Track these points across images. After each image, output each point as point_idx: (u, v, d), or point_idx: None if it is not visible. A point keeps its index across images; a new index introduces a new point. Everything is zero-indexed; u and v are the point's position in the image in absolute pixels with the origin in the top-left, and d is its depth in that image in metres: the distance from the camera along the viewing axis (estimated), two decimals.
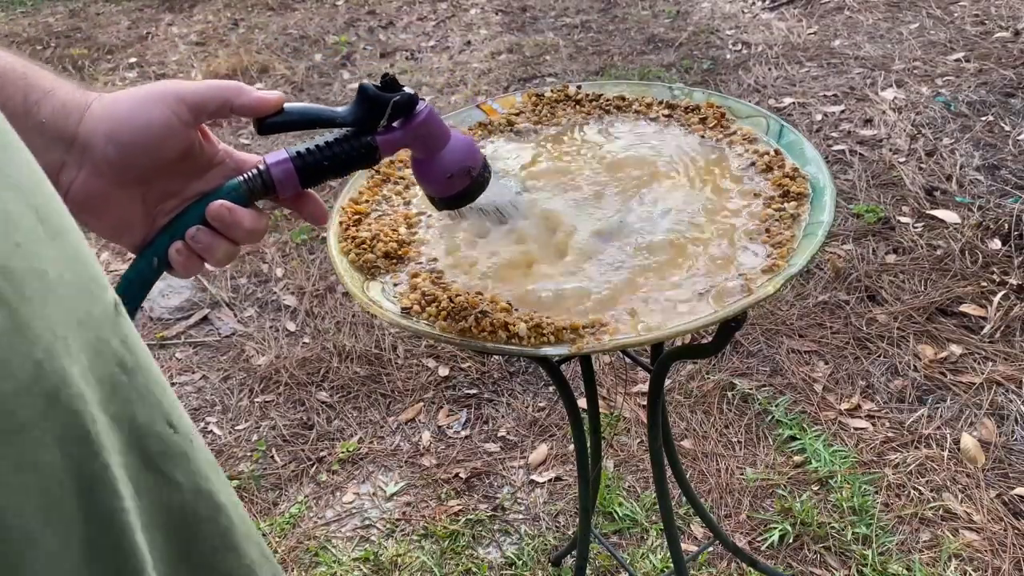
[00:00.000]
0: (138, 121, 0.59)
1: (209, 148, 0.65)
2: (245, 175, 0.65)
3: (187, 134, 0.61)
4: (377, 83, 0.68)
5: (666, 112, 1.09)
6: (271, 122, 0.65)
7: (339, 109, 0.68)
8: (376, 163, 0.69)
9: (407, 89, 0.68)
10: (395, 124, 0.69)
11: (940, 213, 2.38)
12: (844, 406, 1.89)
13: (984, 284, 2.12)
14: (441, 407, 2.04)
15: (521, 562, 1.65)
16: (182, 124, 0.60)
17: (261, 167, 0.65)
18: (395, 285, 0.87)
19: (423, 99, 0.70)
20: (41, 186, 0.37)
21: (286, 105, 0.65)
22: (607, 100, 1.13)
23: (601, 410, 1.92)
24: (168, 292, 2.52)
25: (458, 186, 0.74)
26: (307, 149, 0.67)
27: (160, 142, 0.60)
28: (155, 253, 0.63)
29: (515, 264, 0.88)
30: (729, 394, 1.96)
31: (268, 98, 0.64)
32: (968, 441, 1.76)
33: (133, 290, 0.62)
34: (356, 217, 0.96)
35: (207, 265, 0.65)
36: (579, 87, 1.15)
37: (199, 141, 0.64)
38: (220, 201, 0.63)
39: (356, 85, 0.67)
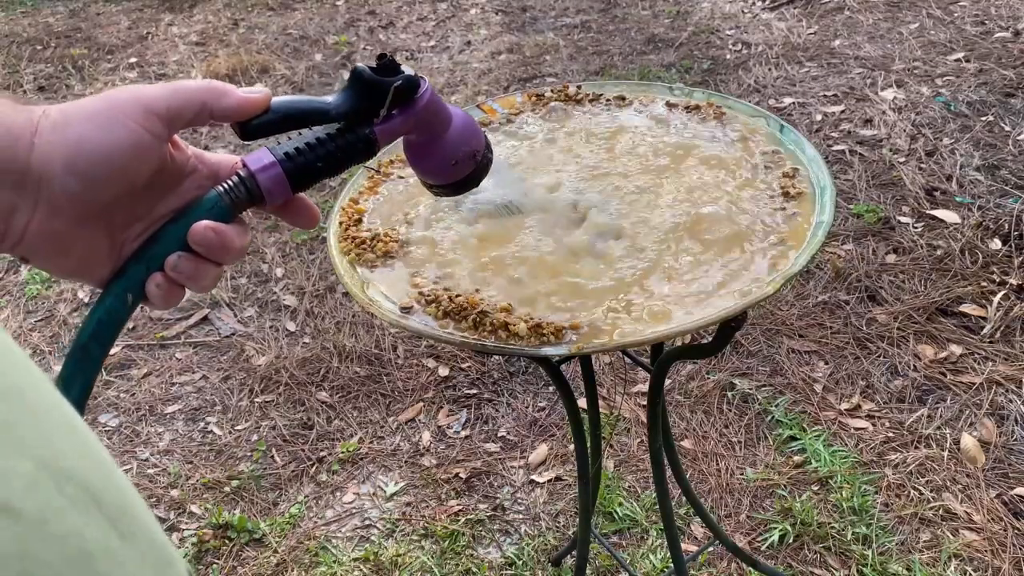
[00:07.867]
0: (102, 144, 0.48)
1: (180, 157, 0.55)
2: (225, 185, 0.55)
3: (160, 151, 0.51)
4: (373, 65, 0.60)
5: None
6: (257, 124, 0.56)
7: (329, 99, 0.59)
8: (374, 155, 0.62)
9: (407, 70, 0.60)
10: (394, 111, 0.61)
11: (940, 213, 2.38)
12: (844, 406, 1.89)
13: (984, 284, 2.12)
14: (441, 407, 2.04)
15: (521, 562, 1.65)
16: (154, 140, 0.50)
17: (243, 173, 0.56)
18: (395, 284, 0.87)
19: (423, 79, 0.62)
20: (110, 473, 0.27)
21: (272, 101, 0.57)
22: (607, 100, 1.13)
23: (601, 410, 1.92)
24: None
25: (462, 171, 0.68)
26: (296, 149, 0.58)
27: (130, 166, 0.50)
28: (128, 288, 0.53)
29: (518, 263, 0.88)
30: (729, 394, 1.96)
31: (254, 98, 0.55)
32: (968, 441, 1.76)
33: (105, 331, 0.52)
34: (356, 217, 0.96)
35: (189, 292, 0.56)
36: (579, 87, 1.15)
37: (170, 153, 0.53)
38: (204, 223, 0.53)
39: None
